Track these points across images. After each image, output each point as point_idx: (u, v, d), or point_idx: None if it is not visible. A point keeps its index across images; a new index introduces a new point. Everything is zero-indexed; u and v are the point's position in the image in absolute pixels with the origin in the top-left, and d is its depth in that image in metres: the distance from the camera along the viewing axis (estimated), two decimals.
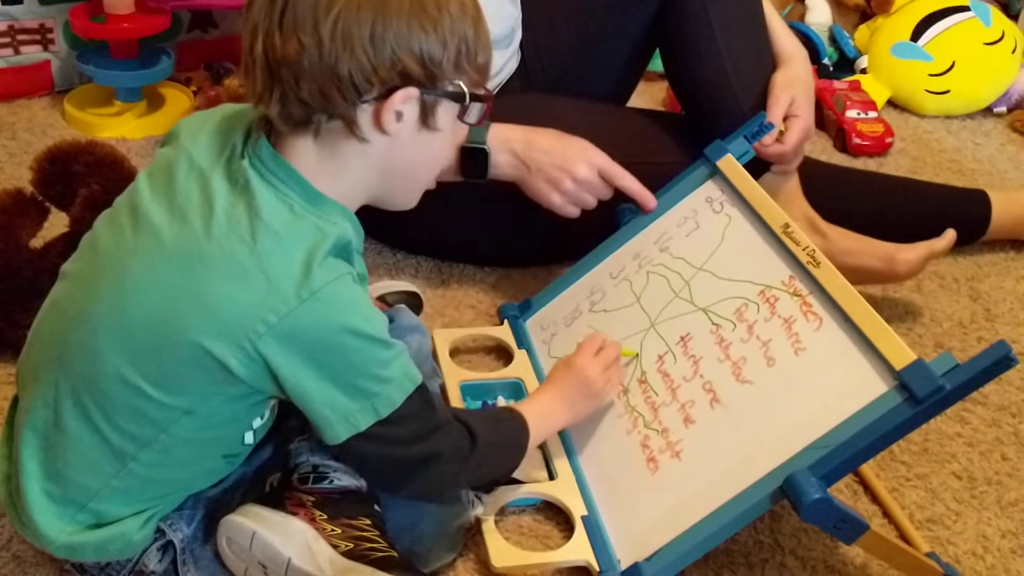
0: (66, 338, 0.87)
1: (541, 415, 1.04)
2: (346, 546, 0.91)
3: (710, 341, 1.09)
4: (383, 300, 1.32)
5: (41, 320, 0.93)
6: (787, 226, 1.11)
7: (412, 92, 0.84)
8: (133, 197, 0.89)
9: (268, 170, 0.85)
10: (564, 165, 1.28)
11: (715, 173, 1.24)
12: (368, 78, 0.82)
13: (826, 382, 0.98)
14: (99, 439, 0.87)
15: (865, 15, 2.25)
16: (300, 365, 0.82)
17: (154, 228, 0.84)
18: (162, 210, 0.85)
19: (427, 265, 1.49)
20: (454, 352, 1.27)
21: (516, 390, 1.21)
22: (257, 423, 0.92)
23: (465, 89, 0.87)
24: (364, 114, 0.84)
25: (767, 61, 1.43)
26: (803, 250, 1.07)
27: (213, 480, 0.96)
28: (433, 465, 0.92)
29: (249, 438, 0.93)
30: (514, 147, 1.29)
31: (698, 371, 1.08)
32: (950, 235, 1.40)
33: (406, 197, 0.94)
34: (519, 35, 1.48)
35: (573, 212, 1.31)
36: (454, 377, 1.21)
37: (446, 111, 0.88)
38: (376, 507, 0.97)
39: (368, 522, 0.94)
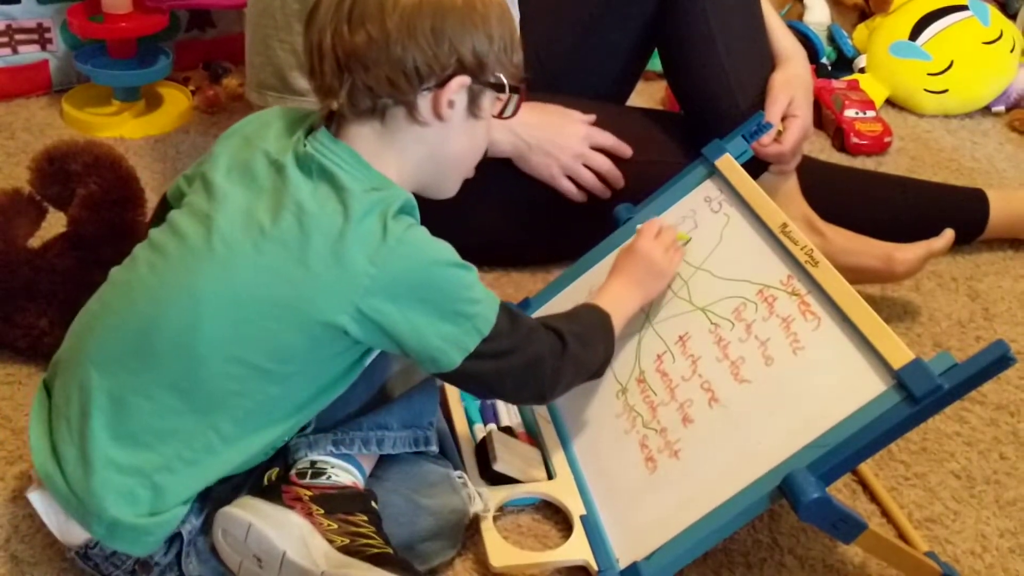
0: (153, 315, 0.91)
1: (616, 300, 1.10)
2: (342, 541, 0.91)
3: (708, 340, 1.09)
4: None
5: (110, 297, 0.95)
6: (785, 225, 1.11)
7: (465, 80, 0.92)
8: (208, 189, 0.94)
9: (335, 154, 0.91)
10: (560, 141, 1.36)
11: (713, 173, 1.24)
12: (430, 65, 0.90)
13: (824, 381, 0.98)
14: (184, 402, 0.90)
15: (864, 14, 2.25)
16: (407, 308, 0.89)
17: (247, 216, 0.91)
18: (247, 196, 0.92)
19: None
20: None
21: None
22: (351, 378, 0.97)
23: (505, 81, 0.95)
24: (424, 100, 0.92)
25: (766, 61, 1.43)
26: (801, 249, 1.07)
27: (254, 464, 0.97)
28: (538, 367, 0.97)
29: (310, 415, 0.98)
30: (511, 125, 1.31)
31: (697, 370, 1.08)
32: (948, 235, 1.40)
33: (450, 184, 1.01)
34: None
35: (572, 189, 1.37)
36: None
37: (489, 101, 0.96)
38: (373, 504, 0.97)
39: (364, 518, 0.94)
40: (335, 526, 0.92)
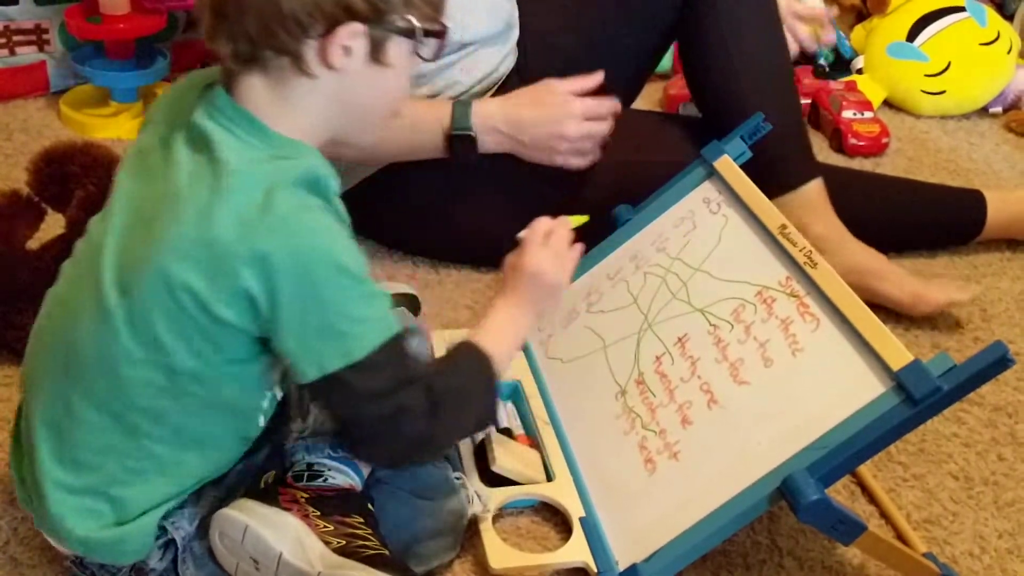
0: (71, 328, 0.88)
1: (501, 332, 1.00)
2: (338, 543, 0.91)
3: (708, 342, 1.09)
4: None
5: (44, 315, 0.94)
6: (784, 227, 1.11)
7: (357, 27, 0.84)
8: (115, 189, 0.91)
9: (224, 116, 0.85)
10: (553, 130, 1.32)
11: (712, 174, 1.24)
12: (311, 12, 0.82)
13: (824, 383, 0.98)
14: (110, 418, 0.87)
15: (861, 15, 2.25)
16: (274, 291, 0.81)
17: (135, 206, 0.87)
18: (138, 188, 0.88)
19: (424, 266, 1.49)
20: None
21: (514, 391, 1.21)
22: (265, 404, 0.93)
23: (416, 24, 0.87)
24: (310, 49, 0.84)
25: (783, 62, 1.44)
26: (800, 251, 1.07)
27: (227, 467, 0.96)
28: (400, 426, 0.88)
29: (261, 420, 0.94)
30: (498, 126, 1.31)
31: (696, 372, 1.08)
32: (974, 291, 1.42)
33: (365, 133, 0.95)
34: (516, 33, 1.48)
35: (581, 163, 1.35)
36: None
37: (398, 47, 0.88)
38: (369, 506, 0.97)
39: (360, 520, 0.94)
40: (331, 527, 0.92)
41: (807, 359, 1.01)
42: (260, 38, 0.83)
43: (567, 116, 1.32)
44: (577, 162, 1.35)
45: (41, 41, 1.87)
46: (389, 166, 1.41)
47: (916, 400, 0.89)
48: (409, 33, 0.87)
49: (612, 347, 1.19)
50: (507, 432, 1.14)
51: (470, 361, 0.96)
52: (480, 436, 1.12)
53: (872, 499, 1.14)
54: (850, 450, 0.91)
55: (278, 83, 0.86)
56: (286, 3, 0.82)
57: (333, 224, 0.84)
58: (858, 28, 2.22)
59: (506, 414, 1.18)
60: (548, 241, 1.06)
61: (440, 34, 0.90)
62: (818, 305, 1.03)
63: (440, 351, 1.24)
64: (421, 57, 0.91)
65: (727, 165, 1.22)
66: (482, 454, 1.09)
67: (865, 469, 1.16)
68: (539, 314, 1.06)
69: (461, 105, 1.32)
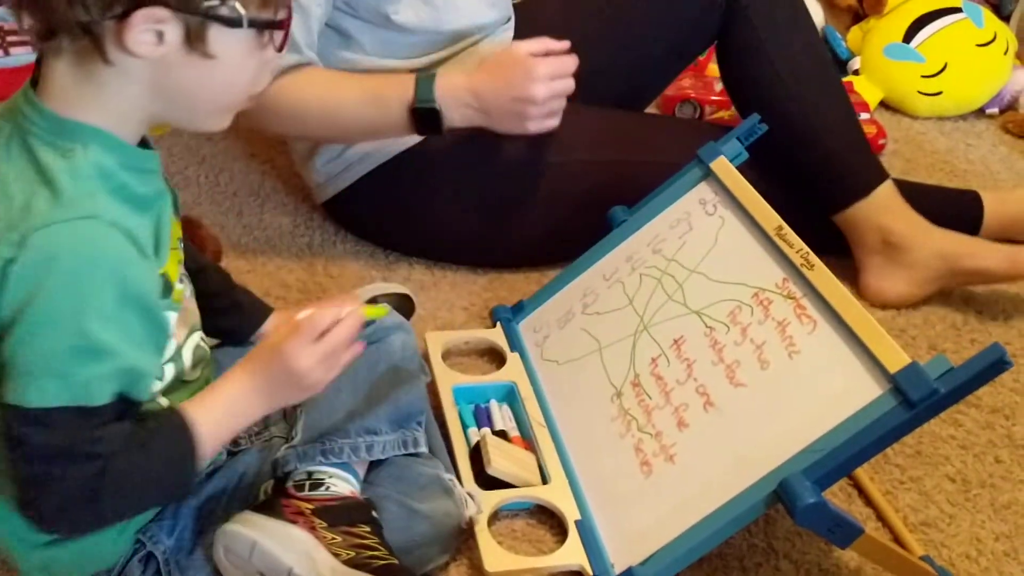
0: None
1: (225, 413, 0.85)
2: (347, 555, 0.90)
3: (704, 344, 1.09)
4: (375, 302, 1.31)
5: None
6: (780, 228, 1.10)
7: (158, 13, 0.74)
8: None
9: (24, 116, 0.78)
10: (519, 95, 1.27)
11: (708, 175, 1.23)
12: None
13: (820, 385, 0.97)
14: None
15: (857, 16, 2.25)
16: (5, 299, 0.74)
17: None
18: None
19: (419, 267, 1.48)
20: (446, 355, 1.27)
21: (509, 393, 1.20)
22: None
23: (241, 12, 0.77)
24: (108, 32, 0.74)
25: (829, 66, 1.47)
26: (796, 252, 1.07)
27: None
28: (47, 494, 0.77)
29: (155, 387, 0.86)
30: (462, 97, 1.27)
31: (692, 374, 1.07)
32: None
33: (201, 122, 0.84)
34: (512, 28, 1.48)
35: (553, 124, 1.30)
36: (447, 380, 1.20)
37: (224, 36, 0.77)
38: (374, 513, 0.96)
39: (368, 529, 0.93)
40: (339, 539, 0.91)
41: (804, 361, 1.00)
42: (52, 18, 0.74)
43: (531, 80, 1.25)
44: (550, 124, 1.30)
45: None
46: (378, 169, 1.41)
47: (913, 403, 0.89)
48: (234, 22, 0.77)
49: (608, 349, 1.18)
50: (502, 434, 1.14)
51: (169, 445, 0.82)
52: (476, 438, 1.12)
53: (869, 501, 1.13)
54: (847, 453, 0.91)
55: (82, 68, 0.76)
56: None
57: (93, 244, 0.74)
58: (854, 29, 2.22)
59: (502, 416, 1.18)
60: (323, 339, 0.86)
61: (278, 24, 0.80)
62: (815, 307, 1.03)
63: (435, 353, 1.24)
64: (264, 51, 0.81)
65: (724, 166, 1.22)
66: (477, 456, 1.09)
67: (862, 471, 1.15)
68: (272, 408, 0.89)
69: (425, 79, 1.27)
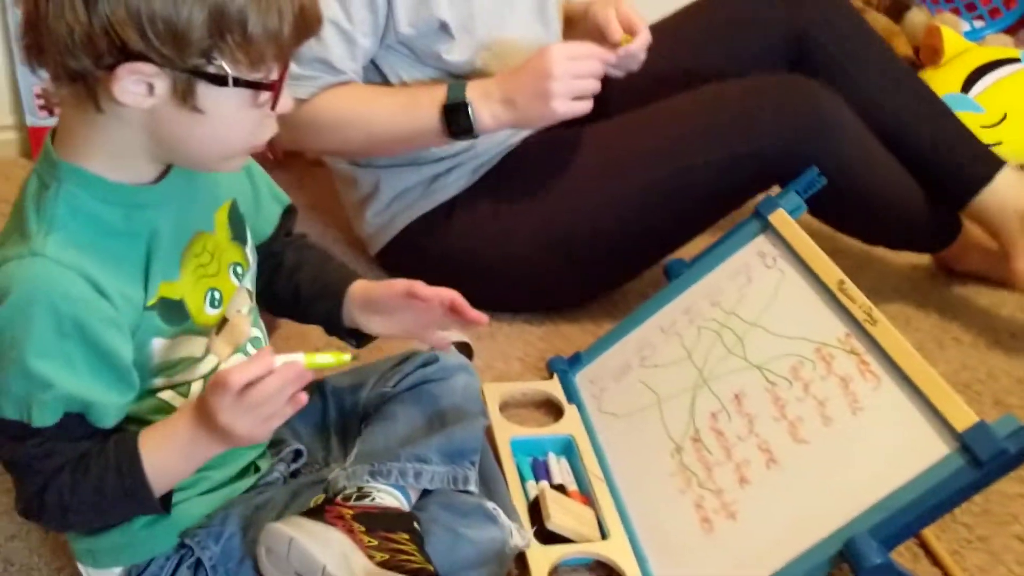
0: None
1: (178, 453, 0.85)
2: (382, 557, 0.90)
3: (765, 399, 1.08)
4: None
5: None
6: (842, 282, 1.10)
7: (141, 67, 0.75)
8: None
9: (39, 163, 0.83)
10: (537, 72, 1.26)
11: (767, 228, 1.23)
12: (82, 43, 0.74)
13: (886, 443, 0.96)
14: None
15: (914, 66, 2.24)
16: None
17: None
18: None
19: None
20: (504, 406, 1.27)
21: (567, 446, 1.20)
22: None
23: (228, 71, 0.77)
24: (101, 83, 0.76)
25: (909, 71, 1.48)
26: (859, 307, 1.06)
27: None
28: (17, 493, 0.86)
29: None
30: (492, 92, 1.28)
31: (753, 429, 1.06)
32: None
33: (203, 167, 0.86)
34: None
35: (584, 108, 1.28)
36: (504, 432, 1.20)
37: (214, 93, 0.77)
38: (415, 524, 0.96)
39: (407, 537, 0.93)
40: (375, 543, 0.91)
41: (868, 418, 0.99)
42: (49, 62, 0.76)
43: (548, 59, 1.25)
44: (579, 107, 1.28)
45: None
46: (424, 217, 1.42)
47: (982, 462, 0.87)
48: (220, 80, 0.77)
49: (666, 402, 1.18)
50: (561, 488, 1.13)
51: (115, 471, 0.84)
52: (534, 492, 1.11)
53: (935, 561, 1.11)
54: (914, 512, 0.89)
55: (79, 108, 0.79)
56: (55, 25, 0.73)
57: (48, 285, 0.78)
58: None
59: (560, 469, 1.17)
60: (248, 393, 0.80)
61: (269, 86, 0.80)
62: (878, 363, 1.02)
63: (492, 404, 1.24)
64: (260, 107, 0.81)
65: (782, 219, 1.21)
66: (536, 511, 1.08)
67: (928, 530, 1.13)
68: (224, 449, 0.87)
69: (457, 83, 1.31)
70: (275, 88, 0.80)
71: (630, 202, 1.38)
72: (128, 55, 0.74)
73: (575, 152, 1.41)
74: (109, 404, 0.83)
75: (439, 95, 1.29)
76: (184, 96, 0.77)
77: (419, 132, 1.32)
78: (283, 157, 1.89)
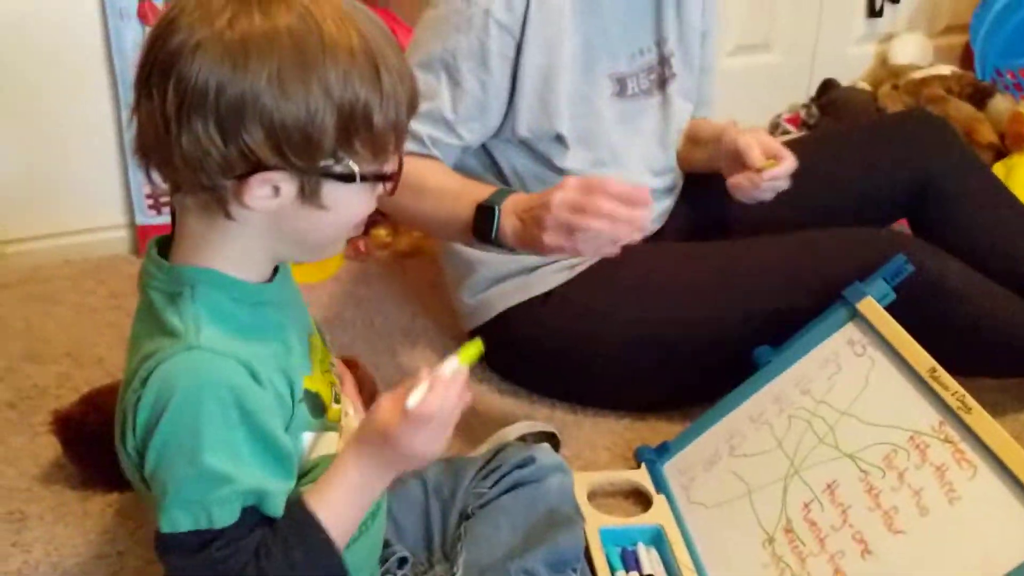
0: None
1: (346, 504, 0.85)
2: None
3: (859, 489, 1.07)
4: (522, 440, 1.33)
5: None
6: (934, 370, 1.09)
7: (272, 176, 0.77)
8: None
9: (148, 275, 0.84)
10: (542, 203, 1.14)
11: (855, 316, 1.23)
12: (220, 165, 0.75)
13: (984, 533, 0.94)
14: None
15: (1000, 153, 2.22)
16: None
17: None
18: None
19: (562, 406, 1.50)
20: (592, 496, 1.27)
21: (656, 536, 1.19)
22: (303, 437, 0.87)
23: (355, 168, 0.79)
24: (230, 191, 0.77)
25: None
26: (952, 395, 1.05)
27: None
28: None
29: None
30: (518, 206, 1.18)
31: (847, 520, 1.05)
32: None
33: (314, 256, 0.88)
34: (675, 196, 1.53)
35: (564, 246, 1.12)
36: (593, 522, 1.20)
37: (338, 189, 0.80)
38: None
39: None
40: None
41: (965, 508, 0.98)
42: (175, 175, 0.78)
43: (559, 188, 1.13)
44: (562, 243, 1.11)
45: None
46: (524, 304, 1.44)
47: None
48: (348, 178, 0.79)
49: (757, 492, 1.17)
50: None
51: (298, 551, 0.82)
52: None
53: None
54: None
55: (204, 215, 0.80)
56: (189, 148, 0.75)
57: (211, 374, 0.78)
58: (997, 165, 2.19)
59: (649, 560, 1.17)
60: (432, 420, 0.83)
61: (388, 177, 0.82)
62: (974, 451, 1.00)
63: (580, 494, 1.24)
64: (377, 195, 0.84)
65: (871, 307, 1.21)
66: None
67: None
68: (395, 475, 0.88)
69: (505, 188, 1.26)
70: (395, 179, 0.83)
71: (733, 321, 1.38)
72: (261, 167, 0.76)
73: (682, 264, 1.43)
74: (280, 492, 0.83)
75: (484, 193, 1.24)
76: (310, 196, 0.79)
77: (452, 219, 1.25)
78: (373, 250, 1.93)
